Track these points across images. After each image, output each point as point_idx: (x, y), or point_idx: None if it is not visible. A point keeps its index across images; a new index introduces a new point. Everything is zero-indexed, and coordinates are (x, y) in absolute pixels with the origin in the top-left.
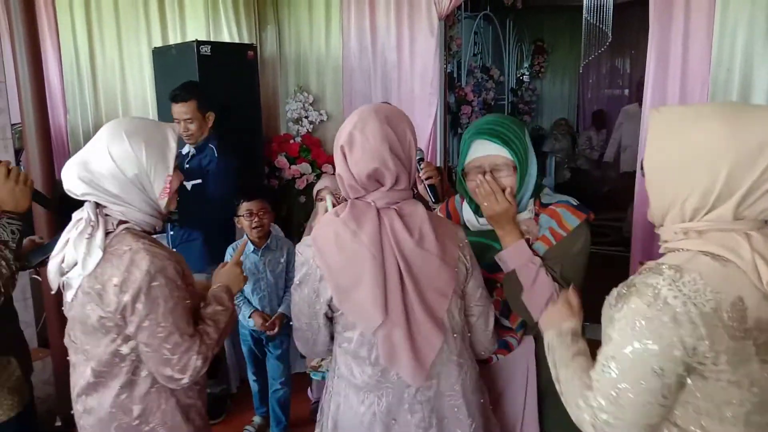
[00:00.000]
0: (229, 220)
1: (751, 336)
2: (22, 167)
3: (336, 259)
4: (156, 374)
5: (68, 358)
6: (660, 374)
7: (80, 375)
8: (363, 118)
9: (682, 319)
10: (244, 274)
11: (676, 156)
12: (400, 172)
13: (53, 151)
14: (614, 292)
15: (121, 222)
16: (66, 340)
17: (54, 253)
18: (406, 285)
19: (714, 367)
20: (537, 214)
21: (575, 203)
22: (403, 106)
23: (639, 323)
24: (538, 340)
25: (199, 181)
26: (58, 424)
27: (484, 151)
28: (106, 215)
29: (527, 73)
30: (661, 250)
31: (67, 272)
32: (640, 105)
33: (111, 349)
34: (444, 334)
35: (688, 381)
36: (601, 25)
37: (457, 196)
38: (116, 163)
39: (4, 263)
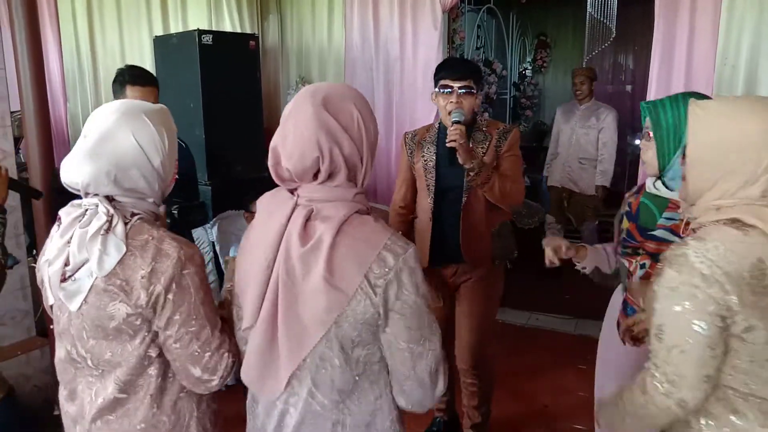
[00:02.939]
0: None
1: None
2: (21, 156)
3: (243, 252)
4: (183, 376)
5: (62, 390)
6: (701, 330)
7: (93, 396)
8: (297, 104)
9: (710, 280)
10: None
11: (721, 148)
12: (339, 164)
13: (53, 140)
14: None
15: (133, 214)
16: (61, 365)
17: (50, 256)
18: (280, 295)
19: (745, 323)
20: None
21: None
22: (405, 99)
23: (674, 289)
24: None
25: None
26: (57, 413)
27: None
28: (116, 208)
29: (530, 67)
30: (692, 225)
31: (71, 276)
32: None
33: (139, 352)
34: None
35: (732, 345)
36: (605, 20)
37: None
38: (144, 152)
39: None
